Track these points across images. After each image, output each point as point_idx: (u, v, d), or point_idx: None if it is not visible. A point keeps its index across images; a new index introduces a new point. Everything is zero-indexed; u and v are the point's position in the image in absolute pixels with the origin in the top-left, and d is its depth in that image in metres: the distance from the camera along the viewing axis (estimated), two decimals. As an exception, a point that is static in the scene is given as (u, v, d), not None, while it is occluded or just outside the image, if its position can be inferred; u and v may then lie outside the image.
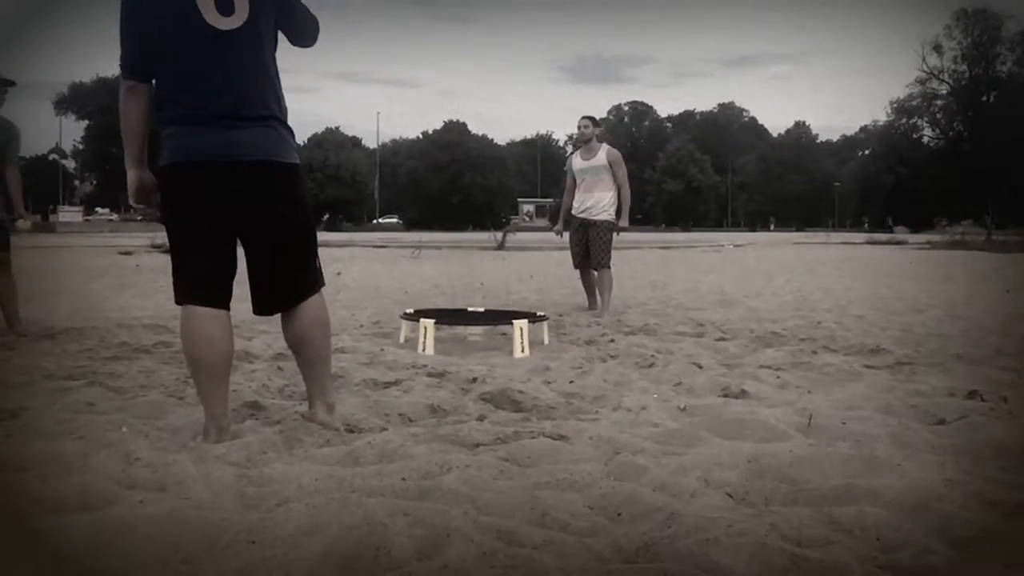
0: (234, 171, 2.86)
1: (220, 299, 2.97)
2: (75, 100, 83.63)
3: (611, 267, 7.50)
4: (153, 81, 2.93)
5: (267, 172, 2.91)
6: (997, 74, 69.64)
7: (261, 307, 3.08)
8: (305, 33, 3.09)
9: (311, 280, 3.08)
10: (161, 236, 26.60)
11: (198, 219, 2.90)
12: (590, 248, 7.46)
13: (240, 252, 3.01)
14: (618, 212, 7.57)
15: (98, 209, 71.40)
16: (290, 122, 3.08)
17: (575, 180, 7.68)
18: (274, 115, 2.96)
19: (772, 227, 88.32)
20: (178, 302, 2.98)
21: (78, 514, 2.15)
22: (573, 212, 7.68)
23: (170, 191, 2.94)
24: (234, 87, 2.86)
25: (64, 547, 1.97)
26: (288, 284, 3.04)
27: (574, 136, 7.96)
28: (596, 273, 7.51)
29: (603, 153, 7.55)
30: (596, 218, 7.49)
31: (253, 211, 2.92)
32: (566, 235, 7.90)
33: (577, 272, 7.89)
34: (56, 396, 3.60)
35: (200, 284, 2.94)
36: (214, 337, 2.94)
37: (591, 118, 7.69)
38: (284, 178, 2.96)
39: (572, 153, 7.82)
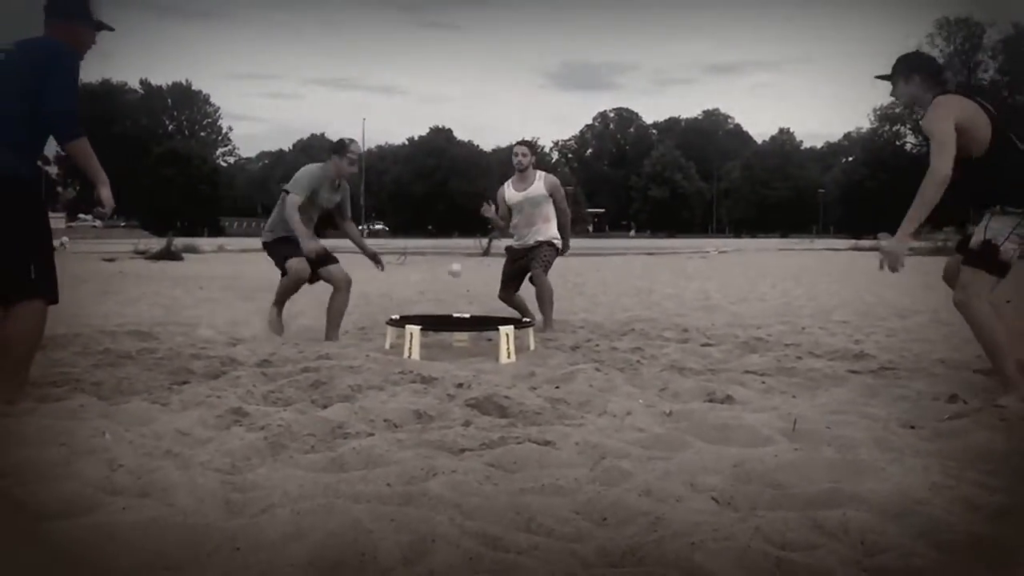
0: None
1: None
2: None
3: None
4: None
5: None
6: (979, 82, 70.12)
7: None
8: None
9: (19, 287, 3.60)
10: (144, 242, 26.16)
11: None
12: (533, 260, 6.66)
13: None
14: (561, 238, 6.86)
15: (81, 215, 70.91)
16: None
17: (510, 213, 6.92)
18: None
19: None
20: None
21: (61, 520, 2.14)
22: (514, 244, 6.95)
23: None
24: None
25: (46, 554, 1.95)
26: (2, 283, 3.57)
27: (513, 162, 6.90)
28: (535, 282, 6.64)
29: (540, 182, 6.79)
30: (541, 239, 6.73)
31: None
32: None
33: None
34: (39, 403, 3.57)
35: None
36: None
37: (528, 144, 7.01)
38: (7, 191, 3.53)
39: (503, 185, 7.09)
